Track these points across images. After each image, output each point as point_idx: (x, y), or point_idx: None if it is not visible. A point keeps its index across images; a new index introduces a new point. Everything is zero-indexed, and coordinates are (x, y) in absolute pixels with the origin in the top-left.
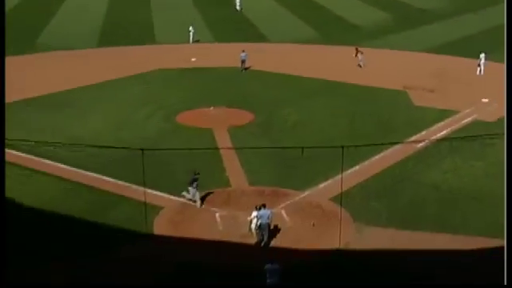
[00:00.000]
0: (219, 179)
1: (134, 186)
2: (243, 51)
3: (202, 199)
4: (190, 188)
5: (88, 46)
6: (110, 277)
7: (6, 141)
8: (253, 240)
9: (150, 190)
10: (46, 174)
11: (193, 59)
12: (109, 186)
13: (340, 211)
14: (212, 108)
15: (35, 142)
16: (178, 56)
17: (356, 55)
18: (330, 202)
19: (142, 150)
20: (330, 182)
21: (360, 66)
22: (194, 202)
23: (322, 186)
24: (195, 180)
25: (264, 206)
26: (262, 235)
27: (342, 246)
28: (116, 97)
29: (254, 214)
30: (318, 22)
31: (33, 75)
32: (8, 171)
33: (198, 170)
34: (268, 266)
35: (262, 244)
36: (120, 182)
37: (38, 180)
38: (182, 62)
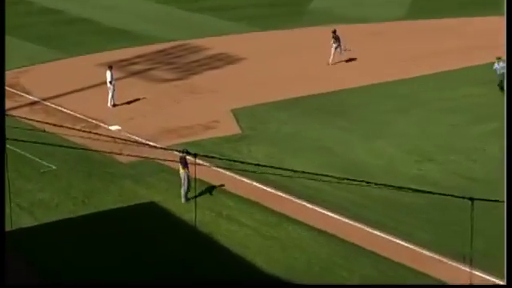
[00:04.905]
0: None
1: (441, 258)
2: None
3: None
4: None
5: (391, 16)
6: None
7: (238, 163)
8: None
9: (477, 273)
10: (300, 224)
11: None
12: (404, 254)
13: None
14: None
15: (289, 170)
16: None
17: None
18: None
19: (472, 199)
20: None
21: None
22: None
23: None
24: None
25: None
26: None
27: None
28: (426, 103)
29: None
30: None
31: (306, 61)
32: (245, 217)
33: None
34: None
35: None
36: (421, 250)
37: (289, 233)
38: None
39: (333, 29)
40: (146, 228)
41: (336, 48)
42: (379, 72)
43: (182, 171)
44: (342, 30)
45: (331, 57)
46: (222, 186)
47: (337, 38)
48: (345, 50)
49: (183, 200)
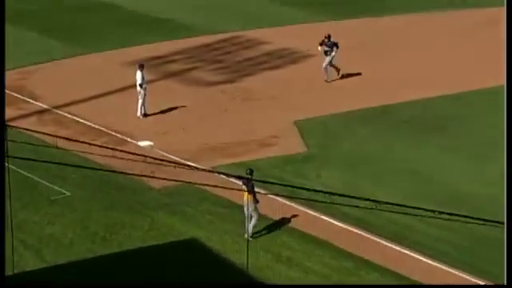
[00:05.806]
0: None
1: None
2: None
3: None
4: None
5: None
6: None
7: (303, 191)
8: None
9: None
10: (382, 272)
11: None
12: None
13: None
14: None
15: (369, 201)
16: None
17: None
18: None
19: None
20: None
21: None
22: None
23: None
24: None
25: None
26: None
27: None
28: None
29: None
30: None
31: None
32: (312, 261)
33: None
34: None
35: None
36: None
37: (368, 283)
38: None
39: (327, 34)
40: (183, 271)
41: (329, 57)
42: (490, 74)
43: (246, 198)
44: (441, 19)
45: (326, 71)
46: (282, 219)
47: (331, 46)
48: (337, 70)
49: (249, 231)
